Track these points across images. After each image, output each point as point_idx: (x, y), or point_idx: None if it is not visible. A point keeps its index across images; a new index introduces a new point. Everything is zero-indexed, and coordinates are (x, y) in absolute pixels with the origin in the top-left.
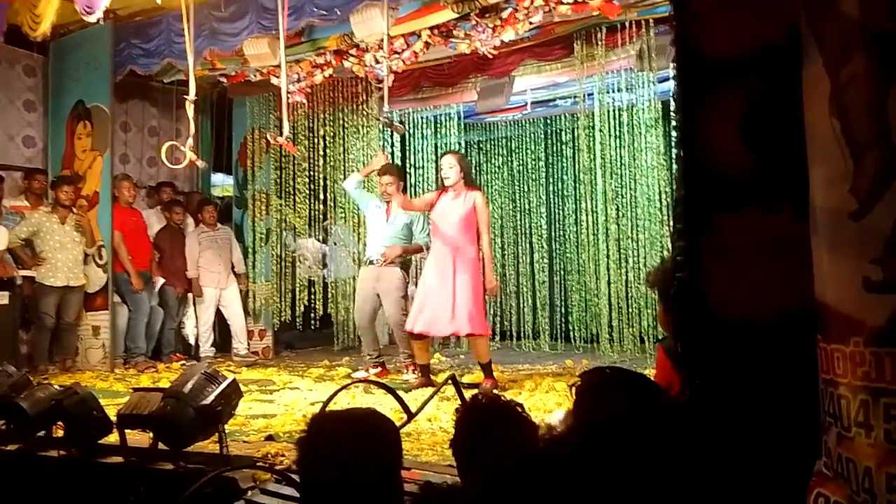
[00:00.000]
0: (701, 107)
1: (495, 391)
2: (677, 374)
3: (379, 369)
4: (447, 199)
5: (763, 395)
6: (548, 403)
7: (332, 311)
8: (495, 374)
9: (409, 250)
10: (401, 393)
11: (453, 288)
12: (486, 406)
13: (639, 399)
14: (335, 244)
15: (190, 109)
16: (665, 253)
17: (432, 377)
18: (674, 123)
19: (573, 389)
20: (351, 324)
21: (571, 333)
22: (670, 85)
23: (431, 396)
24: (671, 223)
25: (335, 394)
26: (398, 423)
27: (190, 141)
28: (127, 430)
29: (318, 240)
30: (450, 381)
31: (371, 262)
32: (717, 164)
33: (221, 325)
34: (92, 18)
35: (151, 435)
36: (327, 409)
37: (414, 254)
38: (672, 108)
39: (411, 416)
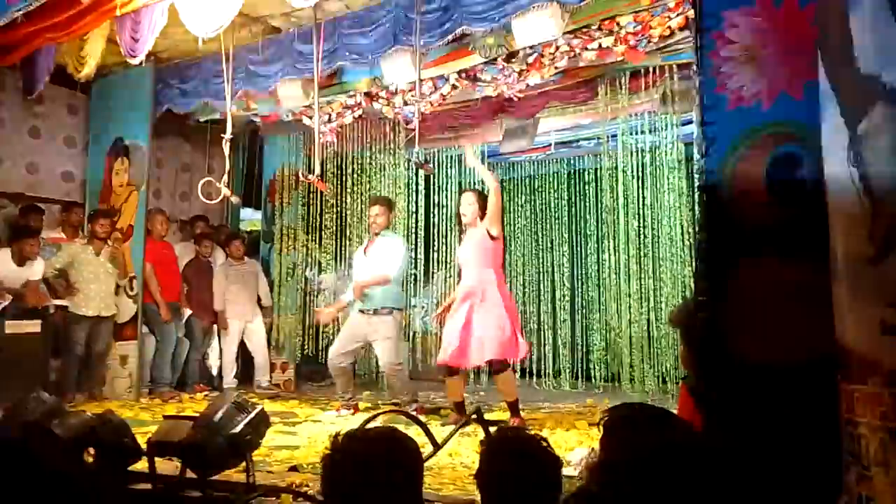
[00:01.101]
0: (723, 159)
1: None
2: (700, 412)
3: (351, 410)
4: (467, 237)
5: (784, 436)
6: (569, 441)
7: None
8: None
9: (369, 283)
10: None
11: (472, 318)
12: (511, 438)
13: (669, 435)
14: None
15: (226, 147)
16: (687, 293)
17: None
18: (695, 167)
19: (600, 424)
20: (373, 359)
21: (592, 372)
22: (693, 127)
23: (457, 430)
24: (693, 263)
25: (368, 421)
26: (424, 456)
27: (225, 177)
28: (157, 458)
29: (344, 274)
30: (474, 416)
31: (362, 311)
32: (738, 212)
33: (244, 357)
34: (135, 61)
35: (180, 463)
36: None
37: (378, 285)
38: (695, 151)
39: (437, 447)
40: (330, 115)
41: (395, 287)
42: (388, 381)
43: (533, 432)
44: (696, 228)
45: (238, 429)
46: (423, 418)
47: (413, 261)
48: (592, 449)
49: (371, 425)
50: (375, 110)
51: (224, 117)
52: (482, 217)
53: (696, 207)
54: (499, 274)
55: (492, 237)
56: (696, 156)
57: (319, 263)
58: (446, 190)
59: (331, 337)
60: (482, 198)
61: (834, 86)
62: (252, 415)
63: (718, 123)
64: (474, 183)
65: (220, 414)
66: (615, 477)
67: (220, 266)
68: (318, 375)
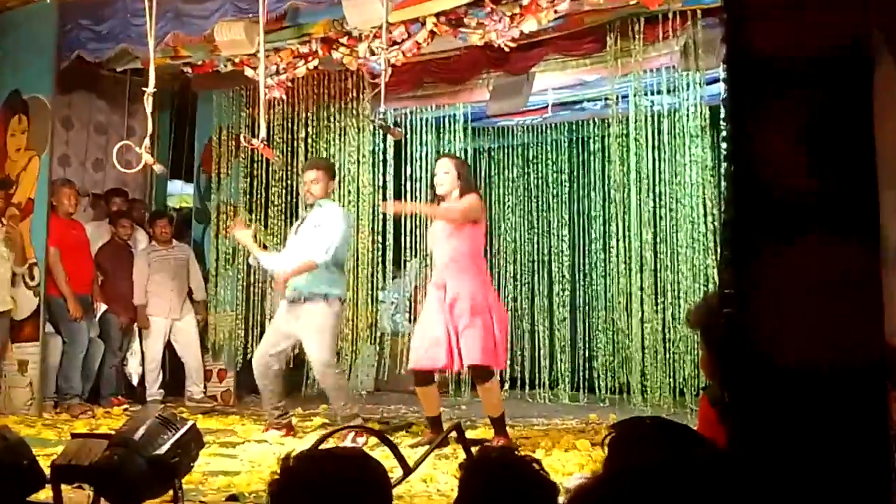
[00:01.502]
0: (756, 117)
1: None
2: (723, 428)
3: (283, 431)
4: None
5: (824, 454)
6: (567, 465)
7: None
8: None
9: (290, 274)
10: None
11: (451, 315)
12: (497, 461)
13: (687, 455)
14: None
15: (148, 104)
16: (710, 287)
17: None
18: (723, 134)
19: (606, 443)
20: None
21: (596, 382)
22: (720, 87)
23: (431, 450)
24: (718, 251)
25: (322, 439)
26: (393, 481)
27: (147, 141)
28: (63, 486)
29: None
30: (453, 433)
31: (293, 300)
32: (775, 184)
33: (172, 363)
34: None
35: (91, 492)
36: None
37: (303, 272)
38: (722, 115)
39: (408, 471)
40: (278, 66)
41: (330, 270)
42: (321, 387)
43: (523, 453)
44: (722, 207)
45: (164, 449)
46: (392, 437)
47: (380, 247)
48: (594, 474)
49: (328, 444)
50: (335, 60)
51: (147, 67)
52: (462, 192)
53: (723, 182)
54: (477, 262)
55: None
56: (722, 118)
57: (265, 248)
58: (422, 160)
59: None
60: (463, 166)
61: (888, 35)
62: (181, 432)
63: (748, 73)
64: (455, 152)
65: (141, 431)
66: (619, 496)
67: (141, 251)
68: None
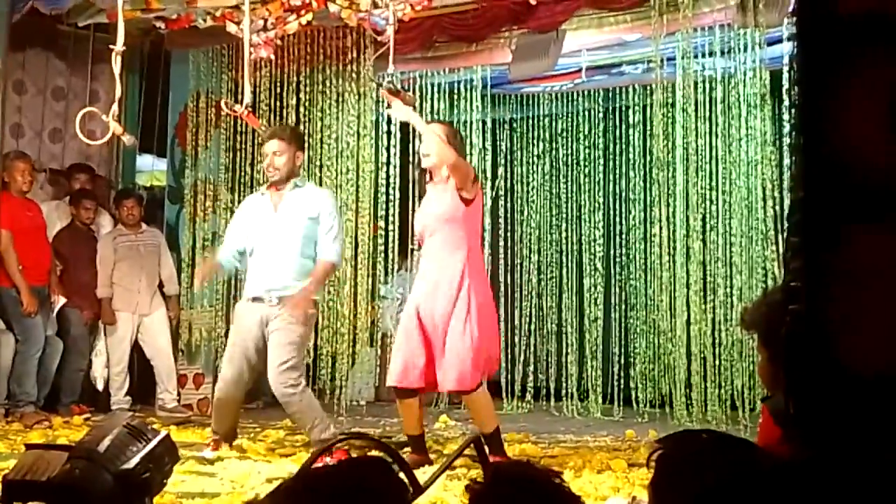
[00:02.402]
0: (833, 82)
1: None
2: (788, 444)
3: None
4: (431, 192)
5: None
6: (600, 488)
7: None
8: (525, 444)
9: (320, 280)
10: None
11: (433, 322)
12: (513, 479)
13: (754, 477)
14: None
15: (116, 64)
16: (769, 282)
17: (439, 448)
18: (787, 103)
19: (652, 459)
20: (326, 368)
21: (633, 393)
22: (783, 48)
23: (446, 466)
24: (779, 240)
25: (320, 452)
26: None
27: (114, 107)
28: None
29: None
30: (471, 445)
31: (256, 298)
32: (854, 160)
33: (140, 366)
34: None
35: None
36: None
37: (324, 281)
38: (786, 80)
39: (419, 491)
40: (266, 21)
41: (303, 256)
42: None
43: (542, 465)
44: (791, 186)
45: (132, 463)
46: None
47: (383, 233)
48: (634, 498)
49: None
50: (331, 15)
51: (114, 21)
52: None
53: (790, 157)
54: (473, 255)
55: (464, 200)
56: (787, 82)
57: None
58: None
59: None
60: (453, 134)
61: None
62: (153, 444)
63: (825, 33)
64: (470, 122)
65: (107, 442)
66: None
67: (105, 235)
68: (248, 394)
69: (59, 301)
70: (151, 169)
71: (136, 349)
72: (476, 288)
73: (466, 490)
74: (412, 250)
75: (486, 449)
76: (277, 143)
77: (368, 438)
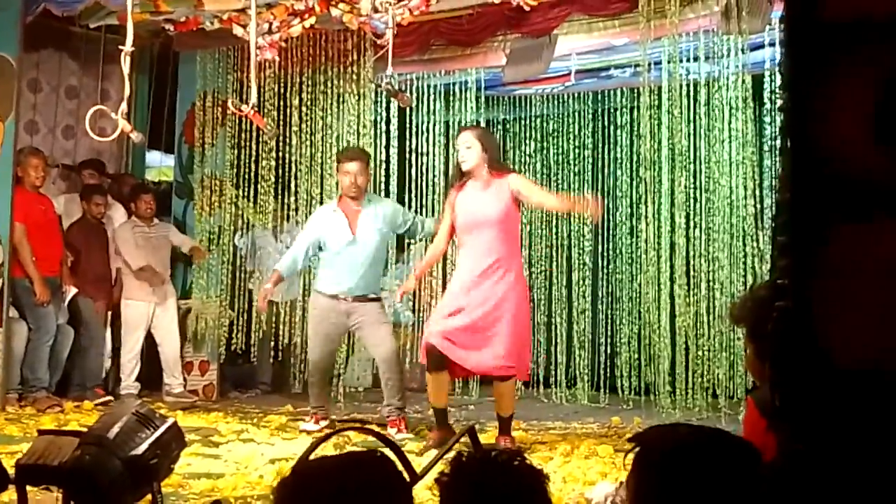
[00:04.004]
0: (819, 86)
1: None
2: (773, 437)
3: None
4: (472, 191)
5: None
6: (588, 473)
7: (289, 340)
8: (517, 432)
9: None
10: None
11: (494, 313)
12: (475, 469)
13: (733, 473)
14: (286, 248)
15: (125, 64)
16: (750, 277)
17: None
18: (767, 106)
19: (630, 456)
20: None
21: (619, 382)
22: (764, 54)
23: (441, 455)
24: (763, 234)
25: (318, 443)
26: None
27: (123, 106)
28: (29, 487)
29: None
30: (466, 434)
31: (333, 296)
32: (839, 162)
33: (147, 353)
34: None
35: (61, 494)
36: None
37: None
38: (767, 84)
39: (415, 479)
40: (271, 24)
41: (380, 264)
42: (388, 380)
43: (503, 449)
44: (777, 187)
45: (141, 449)
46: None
47: None
48: (621, 483)
49: (325, 449)
50: (333, 18)
51: (123, 23)
52: (492, 166)
53: (775, 159)
54: (520, 262)
55: (516, 201)
56: (768, 86)
57: (253, 227)
58: (428, 132)
59: (266, 329)
60: (486, 136)
61: None
62: (161, 431)
63: (811, 38)
64: (466, 123)
65: (116, 429)
66: None
67: (123, 224)
68: (249, 380)
69: (71, 291)
70: (160, 165)
71: (146, 336)
72: (523, 281)
73: (436, 482)
74: (408, 244)
75: (500, 427)
76: (358, 164)
77: (366, 430)
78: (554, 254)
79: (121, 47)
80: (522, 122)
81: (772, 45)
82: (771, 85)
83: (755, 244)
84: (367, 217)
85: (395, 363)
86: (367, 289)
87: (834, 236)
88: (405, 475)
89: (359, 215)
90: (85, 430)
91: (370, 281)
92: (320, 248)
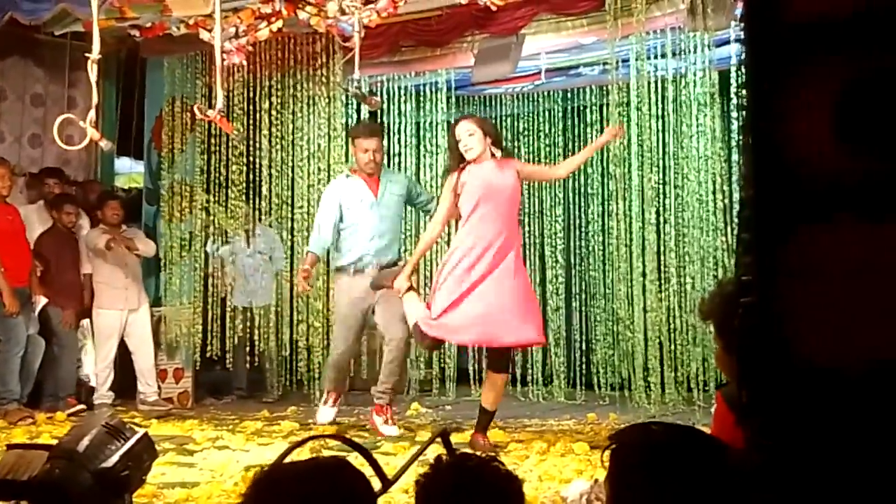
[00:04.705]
0: (781, 85)
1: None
2: (742, 431)
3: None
4: (484, 167)
5: (858, 468)
6: (564, 471)
7: (264, 344)
8: (493, 430)
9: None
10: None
11: (514, 283)
12: (449, 475)
13: (706, 469)
14: (258, 252)
15: (92, 71)
16: (721, 271)
17: (410, 435)
18: (735, 102)
19: (607, 454)
20: (303, 360)
21: (595, 378)
22: (730, 50)
23: (413, 459)
24: (730, 232)
25: (290, 450)
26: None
27: (91, 114)
28: None
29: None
30: (438, 439)
31: (360, 270)
32: (801, 160)
33: (122, 362)
34: None
35: None
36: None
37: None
38: (733, 80)
39: (387, 484)
40: (238, 28)
41: (398, 229)
42: (395, 361)
43: (479, 453)
44: (741, 184)
45: (111, 461)
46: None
47: None
48: (596, 480)
49: (292, 457)
50: (301, 22)
51: (89, 30)
52: (496, 147)
53: (741, 155)
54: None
55: (520, 179)
56: (735, 84)
57: (225, 233)
58: (400, 132)
59: (241, 334)
60: (486, 123)
61: None
62: (131, 442)
63: (773, 37)
64: (436, 123)
65: (86, 441)
66: None
67: (91, 231)
68: (225, 386)
69: (41, 301)
70: (129, 171)
71: (119, 344)
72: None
73: (416, 484)
74: None
75: (480, 420)
76: (377, 140)
77: (340, 438)
78: (527, 252)
79: (87, 54)
80: (493, 121)
81: (738, 41)
82: (737, 80)
83: (724, 239)
84: (385, 182)
85: (405, 345)
86: (391, 254)
87: (796, 235)
88: (372, 483)
89: (377, 182)
90: (55, 443)
91: (393, 248)
92: (340, 221)
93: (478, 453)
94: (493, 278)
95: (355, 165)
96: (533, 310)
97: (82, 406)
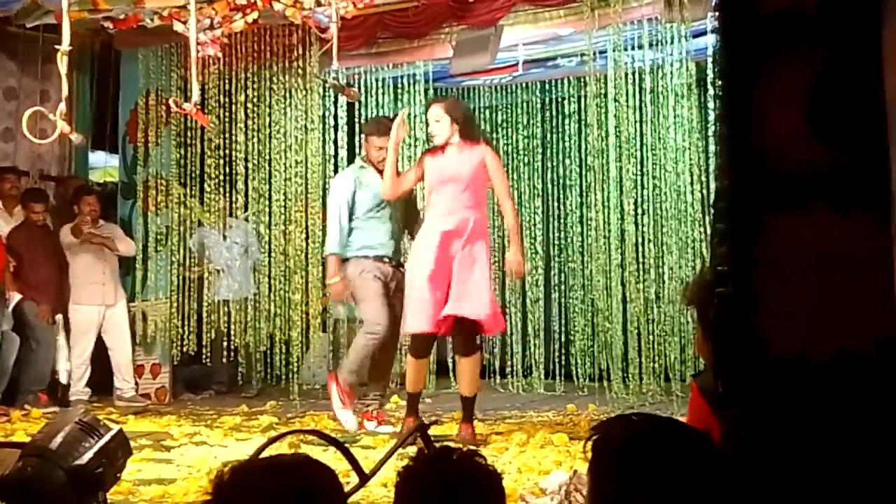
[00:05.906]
0: (754, 76)
1: (468, 443)
2: (716, 419)
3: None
4: (446, 155)
5: (830, 452)
6: (543, 462)
7: (241, 339)
8: (473, 421)
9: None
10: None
11: (471, 264)
12: (428, 469)
13: (686, 459)
14: (234, 244)
15: (62, 64)
16: (698, 262)
17: (392, 428)
18: (711, 93)
19: (588, 445)
20: (280, 354)
21: (574, 369)
22: (707, 41)
23: (390, 453)
24: (708, 223)
25: (265, 446)
26: (347, 489)
27: (62, 107)
28: None
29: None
30: (417, 433)
31: (379, 258)
32: (774, 151)
33: (98, 357)
34: None
35: None
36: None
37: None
38: (710, 71)
39: (364, 479)
40: (212, 20)
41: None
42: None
43: (460, 447)
44: (716, 174)
45: (85, 459)
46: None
47: None
48: (575, 472)
49: (269, 452)
50: (276, 13)
51: (60, 22)
52: (463, 136)
53: (715, 146)
54: (486, 225)
55: (487, 167)
56: (712, 72)
57: (200, 224)
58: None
59: (220, 329)
60: (455, 107)
61: None
62: (105, 439)
63: (746, 30)
64: (415, 115)
65: (59, 439)
66: None
67: (64, 229)
68: (204, 381)
69: (15, 297)
70: (104, 165)
71: (96, 340)
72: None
73: (397, 476)
74: None
75: (463, 409)
76: (385, 138)
77: (317, 434)
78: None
79: (57, 47)
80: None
81: (714, 31)
82: (714, 72)
83: (702, 229)
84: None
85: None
86: (399, 253)
87: (768, 225)
88: (342, 480)
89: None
90: (27, 441)
91: (399, 246)
92: (352, 213)
93: (459, 447)
94: (456, 261)
95: (365, 156)
96: (488, 293)
97: (55, 408)
